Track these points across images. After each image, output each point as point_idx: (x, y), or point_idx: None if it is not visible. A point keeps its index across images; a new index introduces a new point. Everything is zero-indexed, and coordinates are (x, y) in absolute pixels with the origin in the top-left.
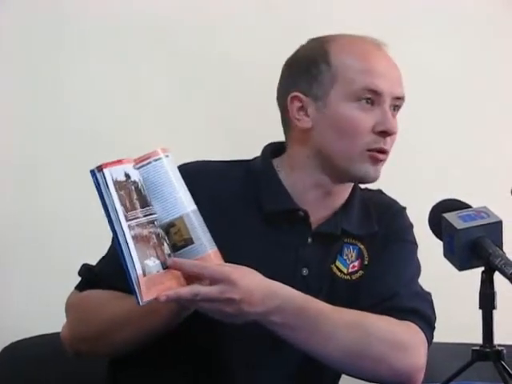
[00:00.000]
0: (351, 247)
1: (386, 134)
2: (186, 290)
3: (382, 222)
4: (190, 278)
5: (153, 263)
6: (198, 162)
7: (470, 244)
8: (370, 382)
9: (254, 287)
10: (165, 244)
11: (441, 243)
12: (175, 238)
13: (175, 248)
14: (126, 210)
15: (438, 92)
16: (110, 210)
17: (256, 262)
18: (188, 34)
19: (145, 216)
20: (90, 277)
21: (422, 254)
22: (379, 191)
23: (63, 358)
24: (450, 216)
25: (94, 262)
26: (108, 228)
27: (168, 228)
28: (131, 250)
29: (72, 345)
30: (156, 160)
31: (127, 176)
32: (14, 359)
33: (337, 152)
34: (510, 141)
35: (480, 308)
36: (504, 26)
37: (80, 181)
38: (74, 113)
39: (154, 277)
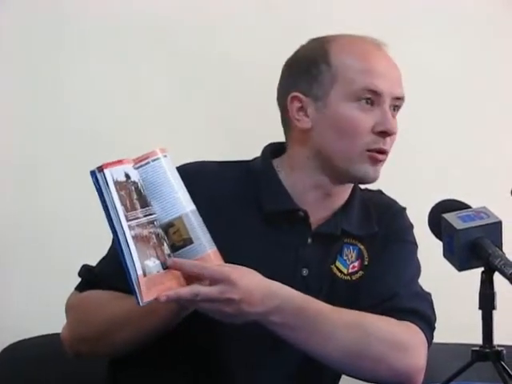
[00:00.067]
0: (351, 247)
1: (385, 134)
2: (186, 291)
3: (382, 222)
4: (190, 278)
5: (153, 263)
6: (196, 162)
7: (470, 244)
8: (370, 382)
9: (253, 287)
10: (165, 244)
11: (440, 243)
12: (174, 237)
13: (174, 248)
14: (127, 210)
15: (438, 92)
16: (110, 210)
17: (256, 262)
18: (188, 34)
19: (145, 216)
20: (90, 277)
21: (421, 255)
22: (379, 191)
23: (63, 359)
24: (450, 216)
25: (93, 262)
26: (108, 228)
27: (167, 228)
28: (131, 251)
29: (72, 345)
30: (154, 160)
31: (127, 176)
32: (14, 360)
33: (336, 152)
34: (509, 141)
35: (480, 308)
36: (504, 26)
37: (80, 181)
38: (74, 113)
39: (154, 277)
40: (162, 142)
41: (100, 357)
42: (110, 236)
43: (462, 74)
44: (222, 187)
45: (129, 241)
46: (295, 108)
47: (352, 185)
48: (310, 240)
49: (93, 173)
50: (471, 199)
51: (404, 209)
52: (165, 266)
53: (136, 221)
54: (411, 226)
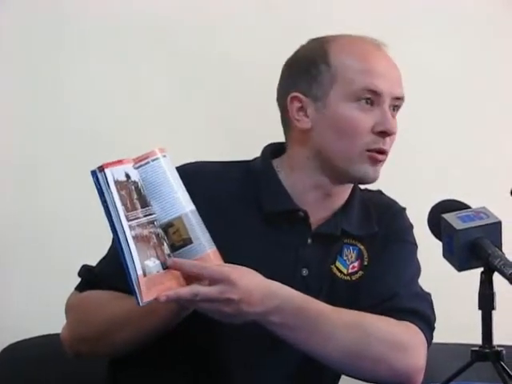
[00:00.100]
0: (351, 248)
1: (385, 134)
2: (186, 291)
3: (381, 222)
4: (190, 278)
5: (153, 263)
6: (196, 162)
7: (469, 244)
8: (370, 382)
9: (253, 287)
10: (165, 244)
11: (440, 244)
12: (174, 237)
13: (174, 248)
14: (127, 210)
15: (438, 92)
16: (111, 210)
17: (256, 262)
18: (188, 34)
19: (145, 216)
20: (90, 277)
21: (421, 255)
22: (379, 192)
23: (63, 359)
24: (450, 216)
25: (93, 262)
26: (108, 228)
27: (167, 228)
28: (132, 251)
29: (72, 346)
30: (154, 160)
31: (127, 176)
32: (14, 360)
33: (336, 152)
34: (509, 141)
35: (479, 308)
36: (504, 26)
37: (80, 181)
38: (74, 113)
39: (154, 277)
40: (162, 142)
41: (100, 357)
42: (110, 236)
43: (462, 74)
44: (221, 187)
45: (129, 241)
46: (295, 108)
47: (352, 185)
48: (309, 240)
49: (93, 172)
50: (471, 199)
51: (404, 209)
52: (165, 266)
53: (136, 221)
54: (411, 226)
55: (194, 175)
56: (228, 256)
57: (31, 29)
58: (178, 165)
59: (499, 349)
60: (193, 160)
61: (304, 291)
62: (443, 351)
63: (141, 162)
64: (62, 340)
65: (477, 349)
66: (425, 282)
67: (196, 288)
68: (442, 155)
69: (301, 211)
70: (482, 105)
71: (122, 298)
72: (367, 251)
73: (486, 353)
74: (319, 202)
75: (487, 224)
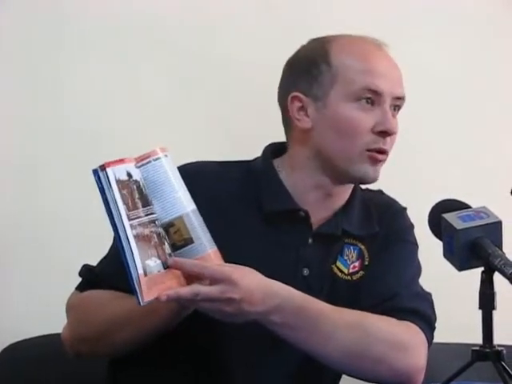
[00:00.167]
0: (352, 248)
1: (385, 134)
2: (187, 290)
3: (382, 222)
4: (191, 277)
5: (154, 263)
6: (197, 162)
7: (470, 244)
8: (370, 382)
9: (254, 287)
10: (166, 243)
11: (440, 243)
12: (175, 237)
13: (175, 247)
14: (128, 209)
15: (438, 92)
16: (112, 209)
17: (256, 261)
18: (188, 34)
19: (146, 215)
20: (91, 277)
21: (421, 255)
22: (380, 191)
23: (63, 359)
24: (450, 216)
25: (94, 262)
26: (108, 228)
27: (168, 227)
28: (133, 250)
29: (72, 346)
30: (155, 159)
31: (129, 175)
32: (14, 360)
33: (336, 152)
34: (510, 141)
35: (480, 308)
36: (504, 26)
37: (80, 181)
38: (74, 113)
39: (155, 276)
40: (162, 142)
41: (100, 357)
42: (110, 236)
43: (462, 74)
44: (222, 187)
45: (130, 240)
46: (295, 108)
47: (353, 185)
48: (310, 240)
49: (95, 171)
50: (471, 199)
51: (404, 209)
52: (165, 266)
53: (137, 220)
54: (412, 226)
55: (194, 175)
56: (229, 256)
57: (31, 29)
58: (178, 165)
59: (500, 348)
60: (193, 160)
61: (305, 291)
62: (444, 351)
63: (142, 161)
64: (63, 340)
65: (477, 348)
66: (425, 281)
67: (197, 287)
68: (441, 155)
69: (301, 211)
70: (482, 105)
71: (123, 297)
72: (368, 251)
73: (487, 352)
74: (320, 202)
75: (487, 224)
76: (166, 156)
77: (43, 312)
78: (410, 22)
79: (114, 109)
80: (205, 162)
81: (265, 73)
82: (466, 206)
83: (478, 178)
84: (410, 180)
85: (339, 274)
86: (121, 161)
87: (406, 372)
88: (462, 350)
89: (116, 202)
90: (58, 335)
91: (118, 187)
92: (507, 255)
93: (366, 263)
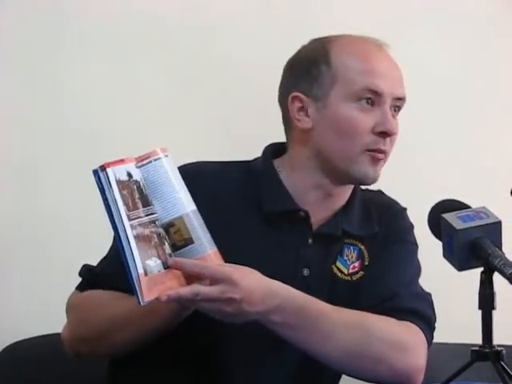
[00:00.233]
0: (352, 248)
1: (385, 134)
2: (187, 290)
3: (382, 222)
4: (191, 277)
5: (154, 263)
6: (197, 162)
7: (469, 244)
8: (370, 382)
9: (254, 287)
10: (166, 244)
11: (440, 244)
12: (175, 237)
13: (175, 247)
14: (129, 209)
15: (438, 92)
16: (112, 209)
17: (256, 262)
18: (188, 34)
19: (146, 215)
20: (91, 277)
21: (421, 255)
22: (380, 192)
23: (63, 359)
24: (450, 216)
25: (94, 262)
26: (108, 228)
27: (168, 227)
28: (133, 250)
29: (72, 345)
30: (156, 160)
31: (129, 175)
32: (14, 360)
33: (336, 152)
34: (510, 141)
35: (479, 308)
36: (504, 26)
37: (80, 181)
38: (74, 113)
39: (155, 277)
40: (162, 142)
41: (100, 357)
42: (110, 236)
43: (462, 74)
44: (222, 187)
45: (130, 240)
46: (296, 108)
47: (353, 185)
48: (310, 240)
49: (95, 172)
50: (471, 199)
51: (404, 209)
52: (166, 266)
53: (138, 220)
54: (412, 227)
55: (194, 175)
56: (228, 256)
57: (31, 29)
58: (178, 165)
59: (499, 349)
60: (193, 160)
61: (305, 291)
62: (443, 351)
63: (143, 161)
64: (63, 340)
65: (477, 349)
66: (425, 281)
67: (197, 288)
68: (442, 155)
69: (302, 211)
70: (482, 105)
71: (123, 297)
72: (368, 251)
73: (486, 353)
74: (320, 202)
75: (487, 224)
76: (166, 156)
77: (43, 312)
78: (410, 22)
79: (113, 109)
80: (205, 162)
81: (265, 73)
82: (466, 206)
83: (478, 178)
84: (409, 180)
85: (339, 274)
86: (121, 161)
87: (406, 372)
88: (462, 350)
89: (116, 203)
90: (57, 335)
91: (119, 187)
92: (507, 255)
93: (366, 263)
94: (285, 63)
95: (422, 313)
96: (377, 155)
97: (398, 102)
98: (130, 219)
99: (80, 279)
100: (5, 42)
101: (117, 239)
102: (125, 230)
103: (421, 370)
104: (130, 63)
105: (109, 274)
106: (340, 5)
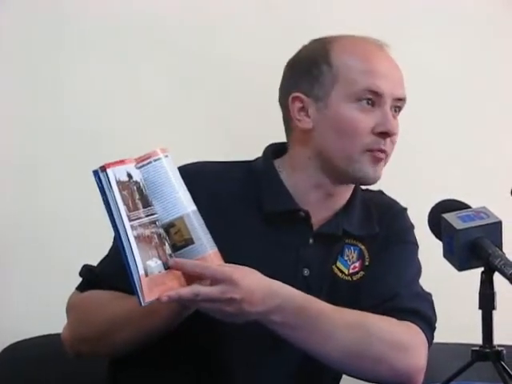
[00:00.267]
0: (352, 248)
1: (386, 135)
2: (187, 290)
3: (382, 222)
4: (191, 278)
5: (155, 264)
6: (197, 163)
7: (470, 244)
8: (370, 382)
9: (255, 287)
10: (166, 244)
11: (440, 244)
12: (175, 237)
13: (175, 248)
14: (129, 210)
15: (438, 92)
16: (113, 210)
17: (257, 262)
18: (188, 34)
19: (147, 216)
20: (91, 277)
21: (421, 255)
22: (380, 192)
23: (63, 359)
24: (450, 216)
25: (93, 262)
26: (108, 228)
27: (168, 228)
28: (134, 251)
29: (73, 346)
30: (156, 160)
31: (129, 176)
32: (14, 360)
33: (336, 152)
34: (510, 141)
35: (480, 308)
36: (504, 26)
37: (80, 181)
38: (74, 113)
39: (156, 277)
40: (162, 142)
41: (101, 357)
42: (111, 236)
43: (462, 74)
44: (222, 187)
45: (131, 241)
46: (296, 108)
47: (353, 185)
48: (311, 240)
49: (95, 172)
50: (471, 199)
51: (405, 209)
52: (166, 266)
53: (138, 221)
54: (412, 227)
55: (195, 175)
56: (229, 256)
57: (31, 29)
58: (178, 165)
59: (500, 349)
60: (193, 160)
61: (305, 291)
62: (444, 351)
63: (143, 161)
64: (63, 340)
65: (477, 349)
66: (425, 281)
67: (197, 288)
68: (442, 155)
69: (302, 211)
70: (482, 105)
71: (123, 297)
72: (368, 251)
73: (487, 353)
74: (321, 202)
75: (487, 224)
76: (166, 156)
77: (43, 312)
78: (410, 22)
79: (113, 109)
80: (205, 162)
81: (265, 73)
82: (466, 206)
83: (478, 178)
84: (410, 180)
85: (339, 274)
86: (121, 162)
87: (406, 372)
88: (462, 350)
89: (116, 203)
90: (58, 335)
91: (119, 188)
92: (507, 255)
93: (367, 263)
94: (285, 63)
95: (422, 313)
96: (377, 155)
97: (399, 103)
98: (130, 220)
99: (80, 279)
100: (5, 42)
101: (117, 240)
102: (125, 230)
103: (421, 370)
104: (129, 63)
105: (109, 274)
106: (340, 5)
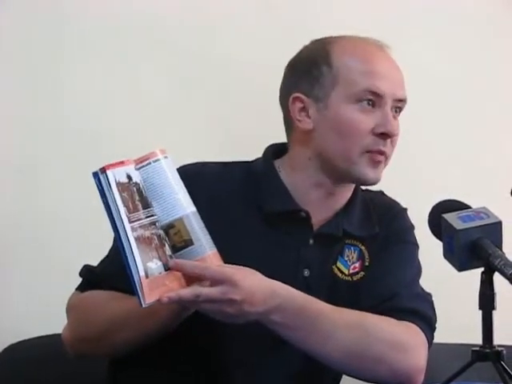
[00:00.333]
0: (352, 248)
1: (386, 135)
2: (188, 291)
3: (383, 223)
4: (191, 279)
5: (155, 265)
6: (196, 163)
7: (470, 244)
8: (370, 382)
9: (255, 288)
10: (166, 245)
11: (441, 244)
12: (175, 238)
13: (175, 249)
14: (129, 211)
15: (438, 92)
16: (113, 212)
17: (257, 262)
18: (188, 34)
19: (147, 217)
20: (92, 277)
21: (421, 255)
22: (381, 192)
23: (63, 359)
24: (450, 216)
25: (93, 262)
26: (108, 228)
27: (168, 229)
28: (134, 252)
29: (73, 346)
30: (155, 161)
31: (129, 177)
32: (14, 360)
33: (337, 153)
34: (510, 141)
35: (480, 309)
36: (504, 26)
37: (80, 181)
38: (74, 113)
39: (156, 278)
40: (162, 142)
41: (101, 357)
42: (111, 236)
43: (462, 74)
44: (222, 187)
45: (131, 242)
46: (297, 109)
47: (354, 185)
48: (311, 241)
49: (95, 174)
50: (471, 199)
51: (405, 209)
52: (166, 268)
53: (138, 222)
54: (412, 227)
55: (195, 176)
56: (229, 256)
57: (31, 29)
58: (178, 165)
59: (500, 349)
60: (193, 160)
61: (305, 291)
62: (444, 351)
63: (142, 162)
64: (63, 340)
65: (477, 349)
66: (425, 282)
67: (198, 289)
68: (442, 155)
69: (302, 211)
70: (482, 105)
71: (123, 298)
72: (368, 252)
73: (487, 353)
74: (321, 202)
75: (488, 224)
76: (165, 157)
77: (43, 312)
78: (410, 22)
79: (114, 109)
80: (205, 162)
81: (265, 73)
82: (466, 207)
83: (478, 178)
84: (410, 180)
85: (340, 274)
86: (121, 163)
87: (406, 372)
88: (462, 350)
89: (116, 205)
90: (58, 335)
91: (119, 189)
92: (507, 255)
93: (367, 264)
94: (285, 63)
95: (422, 313)
96: (376, 157)
97: (399, 104)
98: (130, 221)
99: (80, 279)
100: (5, 42)
101: (118, 241)
102: (125, 232)
103: (421, 370)
104: (130, 63)
105: (109, 274)
106: (340, 5)
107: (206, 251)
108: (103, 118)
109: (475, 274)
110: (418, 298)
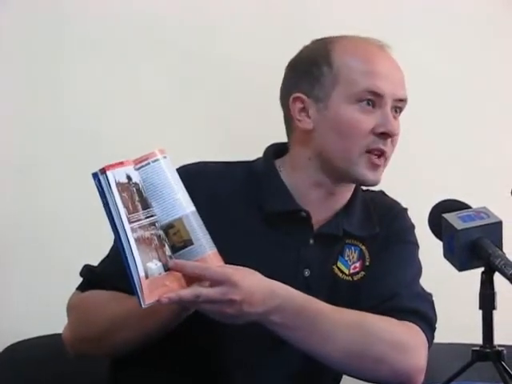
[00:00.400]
0: (353, 248)
1: (386, 135)
2: (188, 292)
3: (383, 223)
4: (191, 279)
5: (155, 265)
6: (198, 163)
7: (470, 244)
8: (370, 382)
9: (255, 288)
10: (166, 245)
11: (441, 244)
12: (174, 239)
13: (174, 249)
14: (129, 212)
15: (438, 92)
16: (113, 212)
17: (257, 262)
18: (188, 34)
19: (146, 218)
20: (92, 277)
21: (421, 255)
22: (381, 192)
23: (63, 359)
24: (450, 216)
25: (94, 262)
26: (108, 228)
27: (167, 229)
28: (134, 253)
29: (73, 345)
30: (154, 161)
31: (129, 178)
32: (14, 360)
33: (337, 153)
34: (510, 141)
35: (480, 308)
36: (504, 26)
37: (80, 181)
38: (74, 113)
39: (156, 279)
40: (162, 142)
41: (101, 357)
42: (111, 236)
43: (462, 74)
44: (223, 187)
45: (131, 243)
46: (297, 109)
47: (354, 185)
48: (311, 241)
49: (95, 175)
50: (471, 199)
51: (405, 209)
52: (166, 268)
53: (138, 223)
54: (412, 227)
55: (195, 175)
56: (229, 256)
57: (31, 29)
58: (178, 165)
59: (500, 349)
60: (193, 160)
61: (305, 292)
62: (444, 351)
63: (141, 163)
64: (64, 340)
65: (477, 349)
66: (425, 282)
67: (198, 289)
68: (442, 155)
69: (303, 211)
70: (482, 105)
71: (123, 298)
72: (369, 252)
73: (487, 353)
74: (321, 202)
75: (488, 224)
76: (164, 158)
77: (43, 312)
78: (410, 22)
79: (113, 109)
80: (206, 162)
81: (265, 73)
82: (467, 206)
83: (478, 178)
84: (410, 180)
85: (340, 274)
86: (120, 163)
87: (407, 372)
88: (463, 350)
89: (116, 205)
90: (58, 335)
91: (118, 190)
92: (507, 255)
93: (367, 264)
94: (285, 63)
95: (422, 313)
96: (375, 160)
97: (400, 104)
98: (130, 222)
99: (81, 279)
100: (5, 42)
101: (117, 242)
102: (125, 232)
103: (421, 370)
104: (129, 63)
105: (110, 274)
106: (340, 5)
107: (205, 251)
108: (103, 117)
109: (475, 274)
110: (418, 298)
